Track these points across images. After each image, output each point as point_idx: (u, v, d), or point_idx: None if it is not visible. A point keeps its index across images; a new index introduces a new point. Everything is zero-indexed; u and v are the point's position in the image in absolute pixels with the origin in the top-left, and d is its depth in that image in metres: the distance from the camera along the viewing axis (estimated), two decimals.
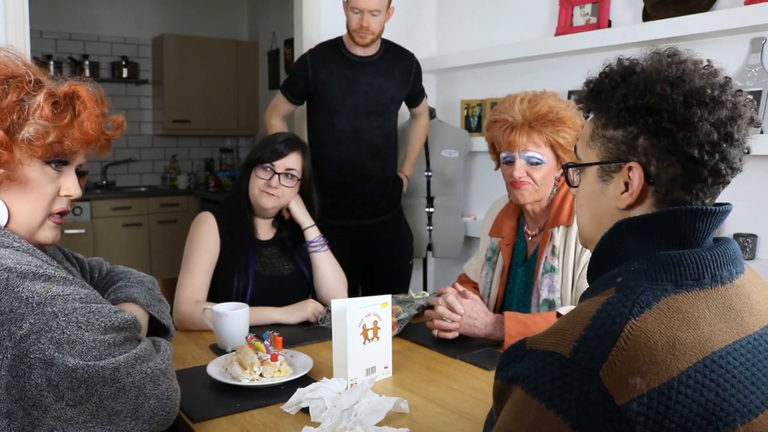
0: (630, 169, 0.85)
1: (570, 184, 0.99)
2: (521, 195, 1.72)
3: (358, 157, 2.57)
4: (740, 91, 0.85)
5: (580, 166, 0.94)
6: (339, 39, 2.62)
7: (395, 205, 2.77)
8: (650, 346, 0.70)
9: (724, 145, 0.81)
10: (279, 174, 1.91)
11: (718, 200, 0.87)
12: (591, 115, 0.93)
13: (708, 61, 0.87)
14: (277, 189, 1.91)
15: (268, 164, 1.91)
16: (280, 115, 2.67)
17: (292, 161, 1.93)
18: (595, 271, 0.90)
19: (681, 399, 0.68)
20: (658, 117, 0.81)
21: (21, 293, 0.91)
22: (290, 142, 1.95)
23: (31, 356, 0.89)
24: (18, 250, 0.97)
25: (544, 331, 0.78)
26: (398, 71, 2.62)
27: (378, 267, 2.71)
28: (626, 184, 0.86)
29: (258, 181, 1.92)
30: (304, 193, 2.00)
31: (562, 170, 1.72)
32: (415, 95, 2.72)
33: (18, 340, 0.89)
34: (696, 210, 0.81)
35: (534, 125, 1.66)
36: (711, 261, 0.80)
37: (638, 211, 0.86)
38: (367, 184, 2.61)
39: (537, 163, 1.68)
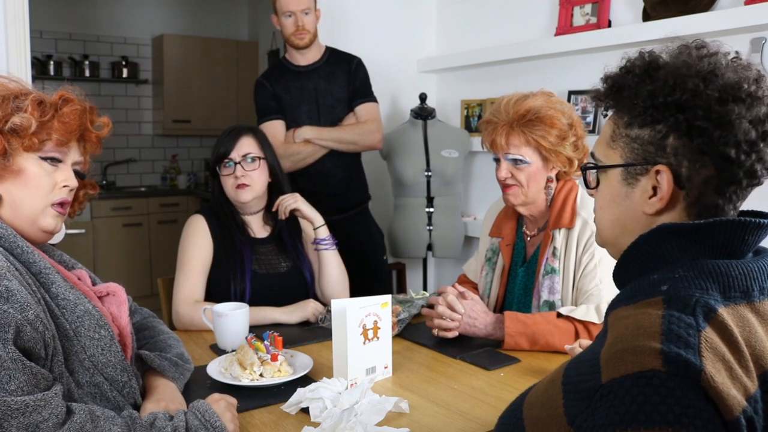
0: (658, 172, 0.80)
1: (587, 186, 0.93)
2: (508, 198, 1.74)
3: (319, 159, 2.63)
4: None
5: (600, 168, 0.88)
6: (282, 58, 2.75)
7: (360, 204, 2.81)
8: (727, 359, 0.67)
9: (761, 144, 0.76)
10: (239, 163, 1.92)
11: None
12: (609, 113, 0.87)
13: (737, 53, 0.82)
14: (246, 177, 1.92)
15: (225, 160, 1.93)
16: (283, 137, 2.63)
17: (245, 145, 1.94)
18: (626, 273, 0.85)
19: (759, 411, 0.67)
20: (691, 114, 0.76)
21: None
22: (235, 130, 1.98)
23: None
24: None
25: (605, 360, 0.70)
26: (340, 73, 2.69)
27: (351, 265, 2.71)
28: (654, 188, 0.81)
29: (227, 180, 1.94)
30: (276, 178, 2.00)
31: (555, 171, 1.73)
32: (355, 89, 2.70)
33: None
34: (748, 223, 0.77)
35: (514, 126, 1.67)
36: (758, 273, 0.76)
37: (668, 217, 0.82)
38: (330, 182, 2.68)
39: (520, 164, 1.68)
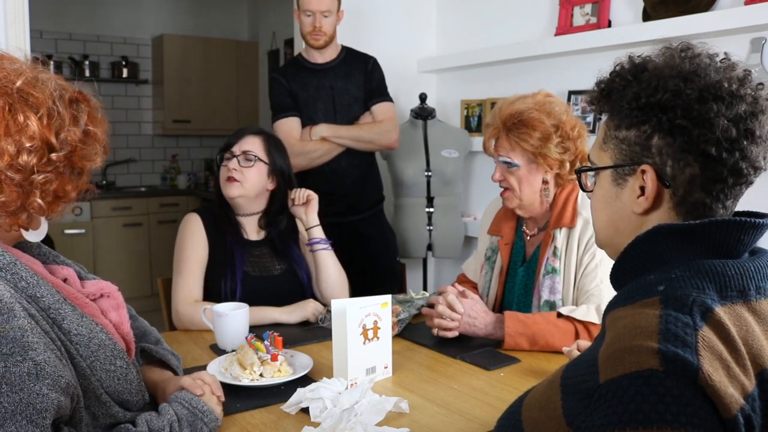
0: (644, 172, 0.81)
1: (583, 189, 0.95)
2: (505, 201, 1.78)
3: (334, 158, 2.62)
4: (762, 84, 0.80)
5: (593, 170, 0.91)
6: (298, 55, 2.74)
7: (375, 205, 2.81)
8: (725, 358, 0.68)
9: (745, 143, 0.77)
10: (237, 156, 1.92)
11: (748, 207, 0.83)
12: (604, 117, 0.89)
13: (725, 54, 0.83)
14: (237, 172, 1.91)
15: (227, 153, 1.94)
16: (299, 134, 2.61)
17: (248, 143, 1.94)
18: (623, 274, 0.85)
19: (757, 409, 0.67)
20: (672, 114, 0.78)
21: None
22: (244, 129, 2.00)
23: None
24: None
25: (603, 360, 0.70)
26: (357, 72, 2.69)
27: (365, 266, 2.71)
28: (641, 188, 0.82)
29: (222, 172, 1.95)
30: (280, 187, 1.99)
31: (550, 174, 1.72)
32: (372, 89, 2.71)
33: None
34: (744, 222, 0.78)
35: (502, 130, 1.69)
36: (755, 273, 0.77)
37: (656, 216, 0.83)
38: (345, 181, 2.67)
39: (511, 167, 1.70)
